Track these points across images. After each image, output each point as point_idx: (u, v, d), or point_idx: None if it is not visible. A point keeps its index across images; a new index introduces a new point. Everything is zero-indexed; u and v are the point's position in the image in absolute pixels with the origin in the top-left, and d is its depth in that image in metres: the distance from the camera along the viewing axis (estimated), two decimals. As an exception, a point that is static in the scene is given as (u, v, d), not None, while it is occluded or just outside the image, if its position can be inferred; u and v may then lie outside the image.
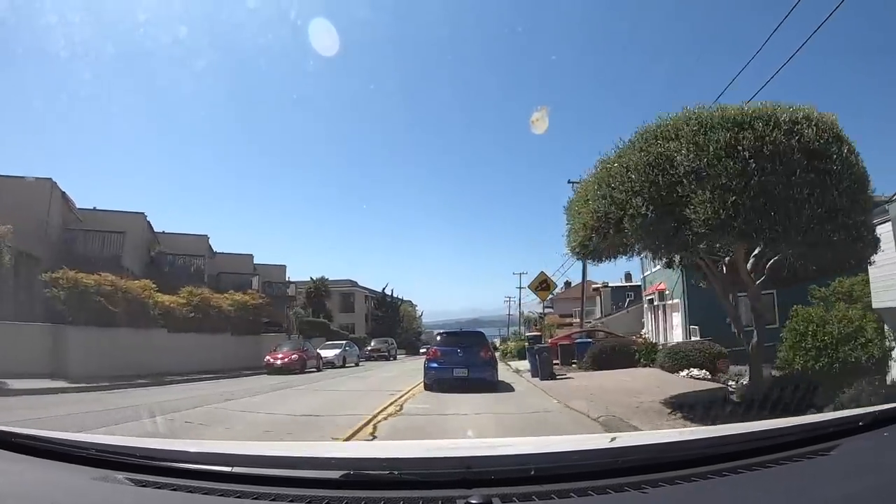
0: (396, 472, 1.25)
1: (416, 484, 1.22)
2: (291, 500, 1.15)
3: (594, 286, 41.12)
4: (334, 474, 1.24)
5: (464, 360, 11.54)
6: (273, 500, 1.16)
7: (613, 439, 1.53)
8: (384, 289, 62.86)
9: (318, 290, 45.48)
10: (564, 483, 1.19)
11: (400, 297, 64.59)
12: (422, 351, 56.52)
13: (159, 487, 1.25)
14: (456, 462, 1.37)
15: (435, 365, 11.79)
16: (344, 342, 28.27)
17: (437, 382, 11.27)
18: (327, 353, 24.66)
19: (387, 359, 35.24)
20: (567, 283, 48.99)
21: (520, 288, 60.55)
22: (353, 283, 57.84)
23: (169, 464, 1.36)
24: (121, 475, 1.32)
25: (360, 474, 1.25)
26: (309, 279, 46.05)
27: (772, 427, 1.57)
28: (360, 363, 28.19)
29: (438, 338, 13.34)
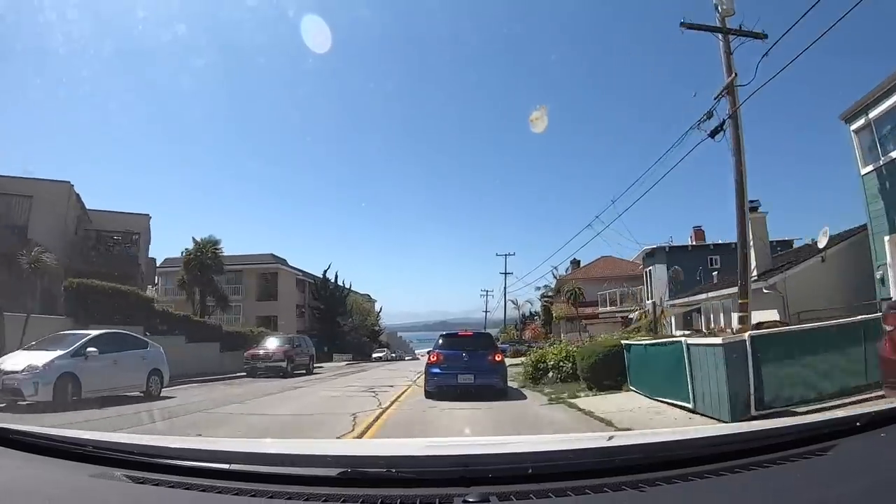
0: (394, 470, 1.26)
1: (414, 482, 1.23)
2: (289, 498, 1.16)
3: (646, 248, 25.49)
4: (332, 472, 1.25)
5: (469, 365, 10.55)
6: (270, 497, 1.17)
7: (611, 438, 1.55)
8: (325, 272, 47.13)
9: (201, 261, 26.67)
10: (562, 482, 1.21)
11: (348, 284, 49.61)
12: (374, 356, 44.02)
13: (157, 484, 1.26)
14: (454, 460, 1.39)
15: (437, 370, 10.79)
16: (85, 337, 10.86)
17: (440, 389, 10.44)
18: None
19: (283, 375, 18.97)
20: (575, 263, 38.78)
21: (505, 273, 49.27)
22: (279, 261, 43.16)
23: (167, 461, 1.37)
24: (118, 472, 1.33)
25: (357, 472, 1.26)
26: (192, 240, 27.70)
27: (769, 427, 1.60)
28: (162, 392, 12.35)
29: (441, 340, 11.82)
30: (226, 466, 1.30)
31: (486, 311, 61.80)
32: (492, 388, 10.33)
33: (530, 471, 1.24)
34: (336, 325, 45.12)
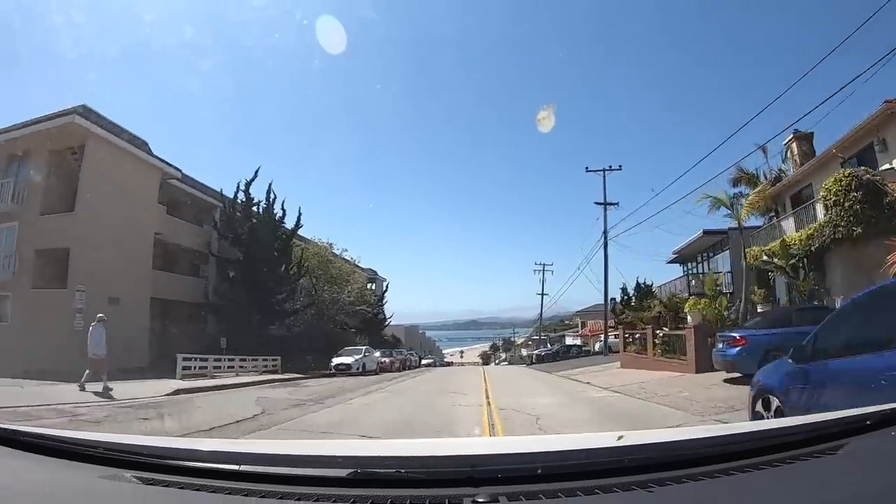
0: (404, 471, 1.27)
1: (423, 482, 1.24)
2: (298, 499, 1.17)
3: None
4: (342, 472, 1.26)
5: None
6: (280, 498, 1.18)
7: (620, 437, 1.55)
8: (248, 184, 24.45)
9: None
10: (571, 482, 1.21)
11: (287, 214, 25.81)
12: (337, 363, 23.20)
13: (167, 486, 1.27)
14: (462, 460, 1.39)
15: None
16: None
17: None
18: None
19: None
20: (803, 137, 19.31)
21: (605, 203, 28.52)
22: (87, 114, 18.18)
23: (177, 462, 1.38)
24: (128, 473, 1.34)
25: (367, 472, 1.27)
26: None
27: (779, 426, 1.60)
28: None
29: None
30: (235, 467, 1.30)
31: (542, 294, 42.04)
32: None
33: (539, 471, 1.25)
34: (263, 295, 22.73)
